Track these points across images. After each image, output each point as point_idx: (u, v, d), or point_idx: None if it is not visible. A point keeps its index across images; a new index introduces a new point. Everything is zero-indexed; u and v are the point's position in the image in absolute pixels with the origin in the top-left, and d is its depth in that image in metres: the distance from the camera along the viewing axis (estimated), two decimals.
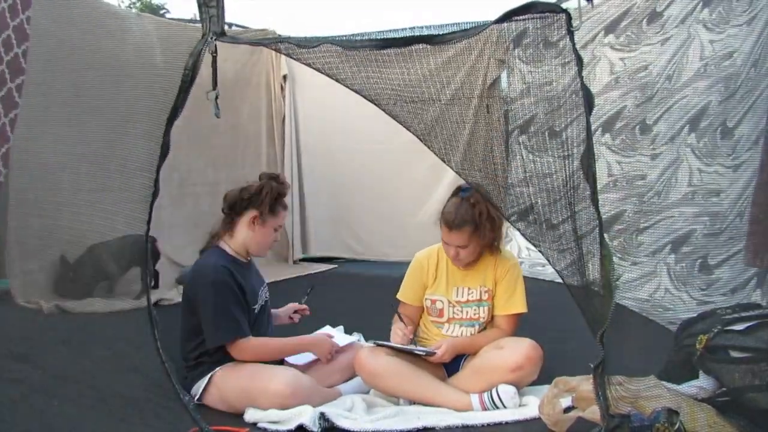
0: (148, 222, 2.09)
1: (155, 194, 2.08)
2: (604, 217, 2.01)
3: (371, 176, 5.54)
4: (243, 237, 2.54)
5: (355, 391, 2.58)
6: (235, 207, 2.54)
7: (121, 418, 2.13)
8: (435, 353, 2.39)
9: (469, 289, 2.57)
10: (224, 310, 2.38)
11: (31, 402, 2.19)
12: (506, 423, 2.29)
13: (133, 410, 2.19)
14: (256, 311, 2.51)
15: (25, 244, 3.55)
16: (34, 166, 3.50)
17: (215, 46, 2.00)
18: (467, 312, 2.57)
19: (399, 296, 2.65)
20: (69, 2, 3.58)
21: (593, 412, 2.04)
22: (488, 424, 2.29)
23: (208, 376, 2.38)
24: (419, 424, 2.26)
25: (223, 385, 2.37)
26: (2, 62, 2.94)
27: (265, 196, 2.50)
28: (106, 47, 3.65)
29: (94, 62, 3.54)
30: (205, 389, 2.37)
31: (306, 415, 2.20)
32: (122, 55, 3.65)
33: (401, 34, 1.96)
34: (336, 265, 5.48)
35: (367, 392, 2.58)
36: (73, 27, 3.53)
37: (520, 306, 2.54)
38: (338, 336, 2.61)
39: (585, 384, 2.12)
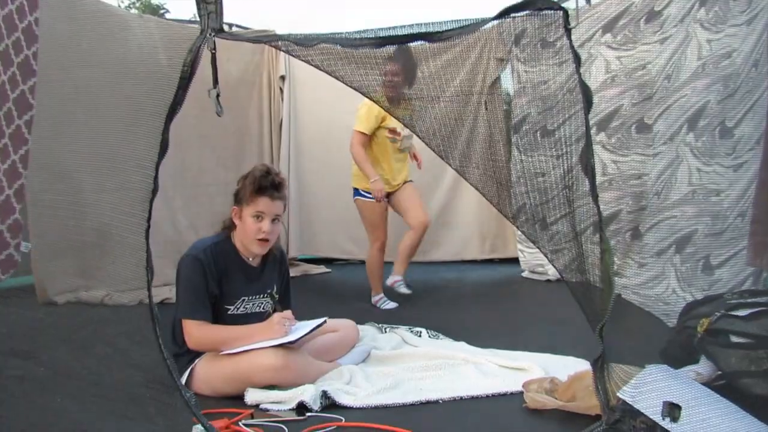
0: (149, 219, 2.10)
1: (155, 191, 2.09)
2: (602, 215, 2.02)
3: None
4: (237, 232, 2.57)
5: (353, 363, 2.66)
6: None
7: (123, 414, 2.13)
8: (324, 321, 2.63)
9: None
10: (188, 287, 2.42)
11: (33, 398, 2.20)
12: (510, 393, 2.34)
13: (136, 406, 2.18)
14: (229, 312, 2.51)
15: (48, 243, 3.63)
16: (54, 166, 3.56)
17: (214, 42, 2.01)
18: (407, 129, 3.61)
19: (362, 130, 3.81)
20: (74, 3, 3.61)
21: (576, 406, 2.07)
22: (491, 395, 2.34)
23: (189, 369, 2.40)
24: (422, 397, 2.28)
25: (207, 375, 2.39)
26: (13, 64, 2.96)
27: (240, 187, 2.53)
28: (112, 47, 3.69)
29: (102, 62, 3.58)
30: (188, 383, 2.37)
31: (307, 393, 2.22)
32: (128, 55, 3.68)
33: (400, 32, 1.97)
34: (330, 270, 5.48)
35: (364, 361, 2.74)
36: (79, 27, 3.56)
37: None
38: (305, 324, 2.61)
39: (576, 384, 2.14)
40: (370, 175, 3.82)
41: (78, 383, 2.35)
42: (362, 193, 3.96)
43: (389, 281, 4.04)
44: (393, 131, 3.86)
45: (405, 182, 4.06)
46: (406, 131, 3.85)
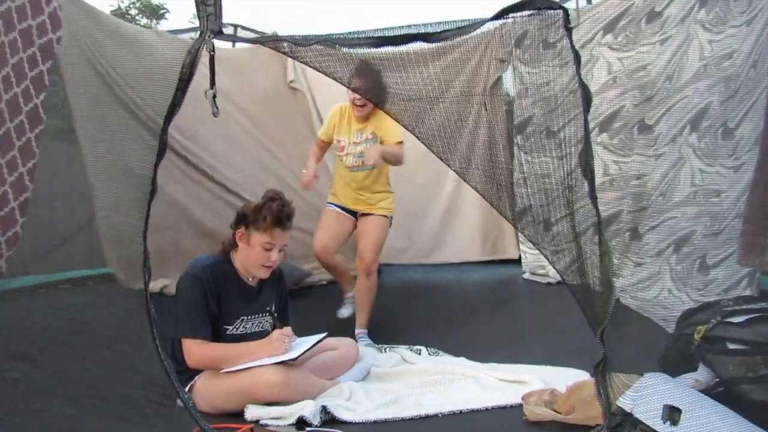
0: (146, 220, 2.10)
1: (153, 193, 2.09)
2: (601, 216, 2.02)
3: None
4: (239, 254, 2.59)
5: (353, 380, 2.65)
6: (235, 222, 2.59)
7: (120, 417, 2.13)
8: (325, 336, 2.65)
9: (362, 133, 3.64)
10: (188, 305, 2.43)
11: (30, 401, 2.19)
12: (510, 406, 2.33)
13: (133, 410, 2.19)
14: (228, 332, 2.52)
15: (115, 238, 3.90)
16: (111, 170, 3.69)
17: (213, 44, 2.01)
18: (358, 147, 3.66)
19: (319, 135, 3.88)
20: (97, 20, 3.69)
21: (576, 418, 2.05)
22: (491, 408, 2.34)
23: (189, 385, 2.41)
24: (421, 412, 2.27)
25: (207, 391, 2.39)
26: (26, 78, 2.97)
27: (253, 213, 2.53)
28: (141, 63, 3.79)
29: (134, 75, 3.70)
30: None
31: (307, 408, 2.22)
32: (156, 69, 3.74)
33: (399, 32, 1.96)
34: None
35: (364, 378, 2.74)
36: (107, 41, 3.66)
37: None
38: (305, 340, 2.62)
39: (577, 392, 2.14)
40: (306, 166, 3.71)
41: (76, 386, 2.35)
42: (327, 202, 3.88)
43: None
44: (337, 146, 3.73)
45: (370, 214, 3.73)
46: (357, 148, 3.66)
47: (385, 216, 3.75)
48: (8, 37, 2.63)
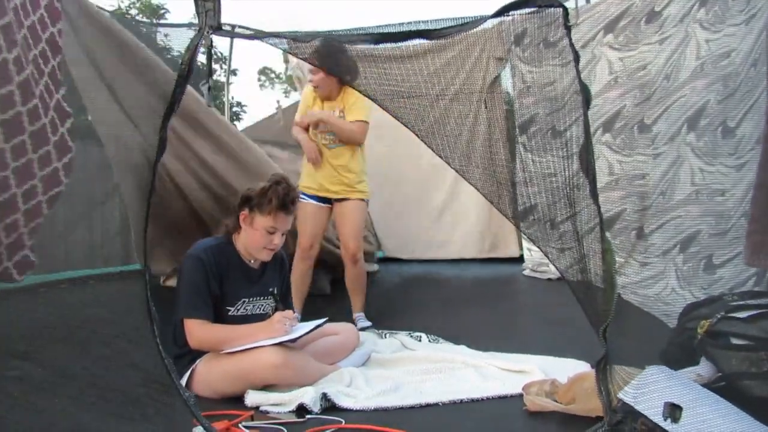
0: (146, 218, 2.10)
1: (151, 191, 2.10)
2: (606, 215, 2.02)
3: (371, 177, 5.53)
4: (242, 236, 2.60)
5: (354, 366, 2.68)
6: (239, 204, 2.60)
7: (121, 414, 2.12)
8: (325, 321, 2.67)
9: (331, 111, 3.59)
10: (190, 286, 2.45)
11: (31, 399, 2.18)
12: (510, 396, 2.34)
13: (134, 407, 2.18)
14: (230, 313, 2.54)
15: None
16: (129, 162, 3.62)
17: (211, 40, 2.02)
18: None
19: (296, 118, 3.76)
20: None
21: (576, 408, 2.06)
22: (491, 398, 2.35)
23: (189, 370, 2.42)
24: (422, 400, 2.28)
25: (207, 375, 2.41)
26: (44, 74, 2.96)
27: (258, 196, 2.55)
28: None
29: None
30: (188, 384, 2.40)
31: (307, 395, 2.22)
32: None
33: (398, 29, 1.97)
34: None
35: (364, 364, 2.77)
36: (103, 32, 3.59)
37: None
38: (306, 324, 2.64)
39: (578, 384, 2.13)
40: (301, 140, 3.65)
41: (76, 384, 2.34)
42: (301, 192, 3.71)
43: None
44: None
45: (347, 199, 3.64)
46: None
47: (362, 200, 3.70)
48: (21, 33, 2.60)
